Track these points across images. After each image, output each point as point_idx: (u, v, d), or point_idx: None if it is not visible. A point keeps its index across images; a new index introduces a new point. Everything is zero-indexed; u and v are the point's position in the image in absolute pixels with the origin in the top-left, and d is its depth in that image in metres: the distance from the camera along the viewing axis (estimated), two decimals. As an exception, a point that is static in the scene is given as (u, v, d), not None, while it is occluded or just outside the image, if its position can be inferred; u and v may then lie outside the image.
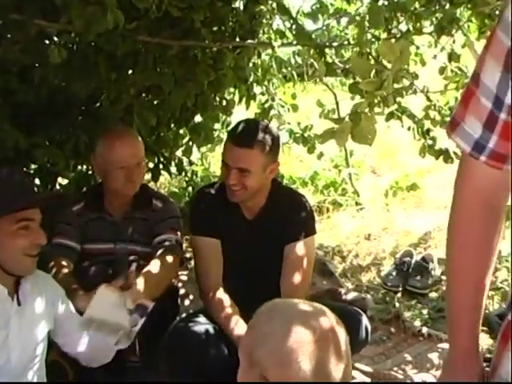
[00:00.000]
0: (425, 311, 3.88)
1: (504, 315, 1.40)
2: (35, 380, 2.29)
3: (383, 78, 2.71)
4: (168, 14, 3.14)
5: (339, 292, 3.90)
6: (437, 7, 3.41)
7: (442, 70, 4.01)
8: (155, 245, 2.91)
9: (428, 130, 4.06)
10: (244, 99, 4.75)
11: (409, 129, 4.19)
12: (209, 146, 4.95)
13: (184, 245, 3.13)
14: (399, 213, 5.32)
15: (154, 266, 2.77)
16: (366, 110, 2.86)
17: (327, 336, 1.40)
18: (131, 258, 2.96)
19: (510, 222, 3.35)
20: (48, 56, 2.82)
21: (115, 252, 2.99)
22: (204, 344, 2.63)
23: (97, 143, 2.96)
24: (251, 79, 4.80)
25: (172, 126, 4.36)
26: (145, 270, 2.74)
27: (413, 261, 4.34)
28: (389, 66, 2.80)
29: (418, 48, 4.61)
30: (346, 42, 4.40)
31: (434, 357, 3.39)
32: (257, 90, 5.09)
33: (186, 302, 3.82)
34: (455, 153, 3.85)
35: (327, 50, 4.14)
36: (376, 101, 2.99)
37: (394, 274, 4.26)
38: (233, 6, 3.97)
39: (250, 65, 4.71)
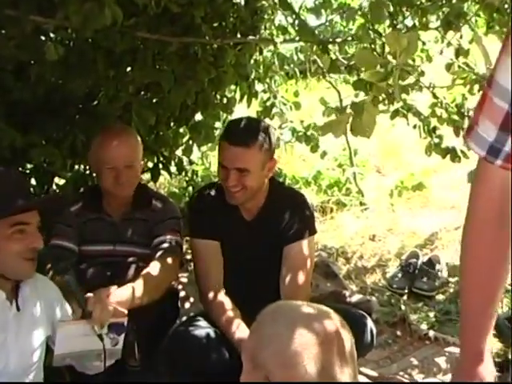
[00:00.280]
0: (431, 314, 3.88)
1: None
2: None
3: (388, 69, 2.71)
4: (167, 9, 3.14)
5: (343, 294, 3.90)
6: (443, 1, 3.41)
7: (449, 66, 4.00)
8: (155, 246, 2.91)
9: (434, 128, 4.06)
10: (245, 97, 4.74)
11: (414, 127, 4.18)
12: (209, 144, 4.94)
13: (184, 246, 3.12)
14: (405, 213, 5.32)
15: (154, 267, 2.77)
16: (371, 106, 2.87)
17: (332, 338, 1.40)
18: (130, 259, 2.96)
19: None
20: (44, 53, 2.81)
21: (114, 253, 2.99)
22: (205, 348, 2.63)
23: (93, 141, 2.98)
24: (253, 76, 4.79)
25: (172, 124, 4.36)
26: (144, 271, 2.74)
27: (419, 262, 4.33)
28: (394, 61, 2.80)
29: (424, 44, 4.59)
30: (349, 38, 4.39)
31: (440, 361, 3.38)
32: (258, 87, 5.08)
33: (187, 305, 3.82)
34: (462, 151, 3.84)
35: (330, 46, 4.13)
36: (381, 98, 2.99)
37: (399, 275, 4.25)
38: (234, 1, 3.97)
39: (252, 62, 4.70)
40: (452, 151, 3.92)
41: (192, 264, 3.07)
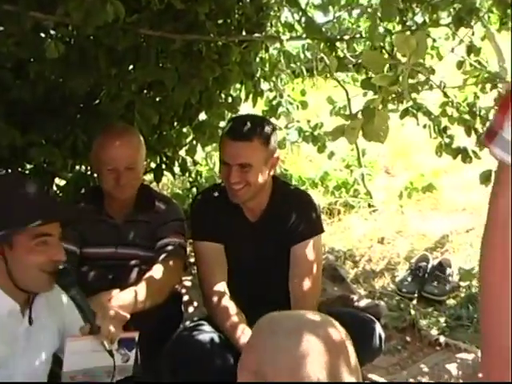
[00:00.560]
0: (442, 319, 3.86)
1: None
2: None
3: (398, 72, 2.70)
4: (171, 6, 3.13)
5: (351, 298, 3.88)
6: (455, -3, 3.40)
7: (460, 64, 3.99)
8: (158, 249, 2.91)
9: (445, 128, 4.04)
10: (251, 96, 4.74)
11: (424, 126, 4.17)
12: (214, 145, 4.92)
13: (188, 249, 3.12)
14: (414, 215, 5.31)
15: (157, 270, 2.77)
16: (380, 107, 2.85)
17: (339, 347, 1.39)
18: (133, 262, 2.96)
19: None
20: (44, 50, 2.82)
21: (116, 256, 2.99)
22: (209, 353, 2.63)
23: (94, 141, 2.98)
24: (258, 75, 4.79)
25: (175, 124, 4.36)
26: (147, 275, 2.74)
27: (429, 266, 4.32)
28: (403, 60, 2.79)
29: (434, 41, 4.59)
30: (358, 35, 4.38)
31: (452, 367, 3.37)
32: (264, 86, 5.07)
33: (190, 309, 3.83)
34: (474, 151, 3.83)
35: (338, 44, 4.13)
36: (390, 97, 2.98)
37: (409, 279, 4.25)
38: (239, -3, 3.97)
39: (257, 60, 4.70)
40: (463, 151, 3.90)
41: (196, 267, 3.07)
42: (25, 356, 2.20)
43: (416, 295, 4.14)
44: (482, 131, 3.66)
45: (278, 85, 5.36)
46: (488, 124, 1.38)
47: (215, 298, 2.77)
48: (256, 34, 4.10)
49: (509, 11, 3.52)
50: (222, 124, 4.79)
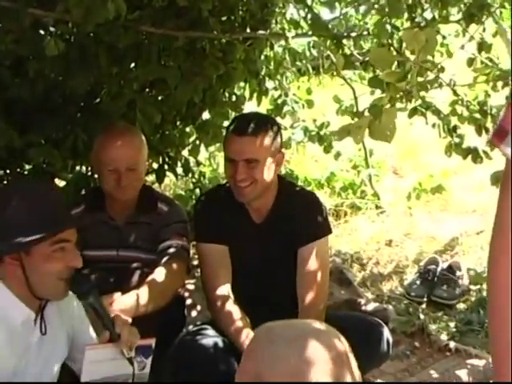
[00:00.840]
0: (452, 324, 3.86)
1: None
2: None
3: (406, 69, 2.70)
4: (173, 2, 3.14)
5: (358, 302, 3.90)
6: (465, -8, 3.40)
7: (471, 62, 3.98)
8: (160, 251, 2.91)
9: (455, 127, 4.04)
10: (255, 94, 4.75)
11: (434, 126, 4.17)
12: (217, 145, 4.93)
13: (191, 251, 3.12)
14: (423, 217, 5.31)
15: (159, 273, 2.77)
16: (388, 106, 2.86)
17: (343, 357, 1.38)
18: (134, 265, 2.97)
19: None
20: (44, 48, 2.82)
21: (118, 259, 2.99)
22: (213, 358, 2.63)
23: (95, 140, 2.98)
24: (263, 73, 4.80)
25: (178, 123, 4.36)
26: (149, 278, 2.74)
27: (438, 269, 4.32)
28: (412, 57, 2.79)
29: (444, 38, 4.57)
30: (365, 32, 4.38)
31: (462, 374, 3.36)
32: (269, 84, 5.08)
33: (194, 313, 3.83)
34: (484, 152, 3.82)
35: (345, 41, 4.13)
36: (398, 95, 2.98)
37: (417, 283, 4.24)
38: (243, -7, 3.97)
39: (262, 57, 4.71)
40: (473, 151, 3.89)
41: (199, 270, 3.07)
42: (36, 366, 2.20)
43: (425, 299, 4.13)
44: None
45: (283, 83, 5.36)
46: (497, 122, 1.27)
47: (219, 302, 2.77)
48: (261, 31, 4.11)
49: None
50: (226, 123, 4.80)
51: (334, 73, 6.18)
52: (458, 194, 5.60)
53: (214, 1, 3.45)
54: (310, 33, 4.22)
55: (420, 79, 3.04)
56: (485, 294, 4.06)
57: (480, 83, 4.04)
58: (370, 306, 3.85)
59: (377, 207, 5.50)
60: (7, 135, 3.20)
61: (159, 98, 3.99)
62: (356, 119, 2.84)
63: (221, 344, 2.69)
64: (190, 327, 3.04)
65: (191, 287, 4.04)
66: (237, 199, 2.82)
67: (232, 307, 2.75)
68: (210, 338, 2.71)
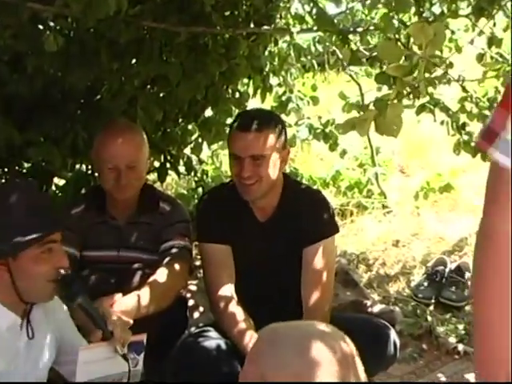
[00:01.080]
0: (460, 326, 3.85)
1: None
2: None
3: (413, 63, 2.70)
4: (175, -4, 3.14)
5: (364, 304, 3.89)
6: (475, -15, 3.39)
7: (481, 57, 3.98)
8: (162, 252, 2.91)
9: (464, 125, 4.04)
10: (259, 91, 4.75)
11: (442, 123, 4.16)
12: (220, 142, 4.93)
13: (194, 251, 3.12)
14: (431, 217, 5.30)
15: (161, 274, 2.77)
16: (394, 102, 2.85)
17: (349, 359, 1.38)
18: (136, 266, 2.96)
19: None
20: (42, 43, 2.82)
21: (118, 260, 2.99)
22: (215, 361, 2.63)
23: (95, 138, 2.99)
24: (267, 69, 4.80)
25: (180, 120, 4.37)
26: (151, 279, 2.74)
27: (447, 270, 4.31)
28: (419, 52, 2.78)
29: (453, 33, 4.57)
30: (371, 27, 4.38)
31: (471, 377, 3.35)
32: (273, 81, 5.08)
33: (196, 315, 3.83)
34: (494, 150, 3.81)
35: (351, 36, 4.13)
36: (405, 92, 2.97)
37: (425, 284, 4.24)
38: (247, -13, 3.97)
39: (266, 53, 4.71)
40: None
41: (201, 271, 3.07)
42: (24, 370, 2.20)
43: (433, 301, 4.13)
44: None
45: (288, 79, 5.36)
46: (485, 123, 1.14)
47: (222, 303, 2.77)
48: (265, 27, 4.11)
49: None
50: (229, 121, 4.80)
51: (340, 69, 6.20)
52: (466, 193, 5.60)
53: (216, -5, 3.45)
54: (315, 28, 4.20)
55: (428, 75, 3.03)
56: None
57: (490, 79, 4.03)
58: (377, 308, 3.84)
59: (383, 207, 5.50)
60: (6, 133, 3.19)
61: (161, 94, 3.99)
62: (362, 113, 2.83)
63: (224, 346, 2.69)
64: (193, 329, 3.04)
65: (194, 288, 4.04)
66: (242, 197, 2.82)
67: (235, 309, 2.75)
68: (213, 340, 2.71)
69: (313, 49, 5.88)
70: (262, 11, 4.04)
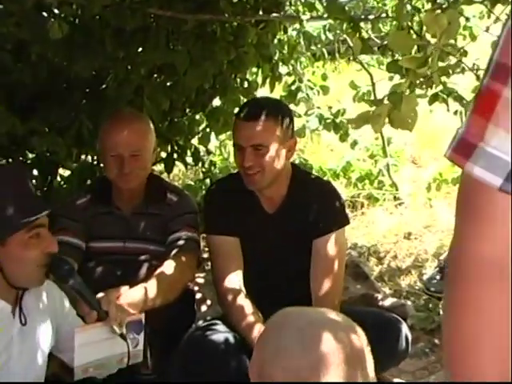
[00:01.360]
0: (473, 320, 3.84)
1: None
2: None
3: (427, 53, 2.69)
4: (182, -17, 3.14)
5: (375, 297, 3.89)
6: (491, -30, 3.36)
7: (496, 45, 3.96)
8: (170, 243, 2.91)
9: (477, 114, 4.02)
10: (268, 80, 4.74)
11: (455, 113, 4.15)
12: (228, 133, 4.93)
13: (201, 244, 3.12)
14: (444, 209, 5.29)
15: (168, 266, 2.77)
16: (407, 92, 2.84)
17: (358, 355, 1.36)
18: (142, 257, 2.96)
19: None
20: (47, 31, 2.83)
21: (125, 251, 2.99)
22: (223, 354, 2.63)
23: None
24: (276, 58, 4.79)
25: (187, 110, 4.37)
26: (158, 271, 2.74)
27: (459, 263, 4.30)
28: (433, 41, 2.77)
29: (467, 20, 4.55)
30: (383, 15, 4.37)
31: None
32: (282, 69, 5.08)
33: (203, 308, 3.84)
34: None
35: (362, 24, 4.11)
36: (418, 81, 2.97)
37: (437, 277, 4.23)
38: (255, -26, 3.96)
39: (275, 41, 4.71)
40: (497, 140, 3.87)
41: (209, 263, 3.07)
42: (21, 358, 2.21)
43: (445, 294, 4.12)
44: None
45: (298, 68, 5.36)
46: (457, 134, 1.06)
47: (230, 296, 2.77)
48: (274, 14, 4.10)
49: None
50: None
51: (351, 57, 6.18)
52: (480, 184, 5.57)
53: (225, -19, 3.45)
54: (325, 15, 4.19)
55: (441, 64, 3.02)
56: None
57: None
58: (388, 302, 3.85)
59: (395, 198, 5.49)
60: (9, 122, 3.20)
61: (167, 83, 3.99)
62: (374, 107, 2.82)
63: (232, 340, 2.68)
64: (200, 322, 3.05)
65: (201, 281, 4.05)
66: (247, 188, 2.83)
67: (244, 301, 2.75)
68: (221, 333, 2.71)
69: (323, 37, 5.88)
70: (271, -2, 4.04)
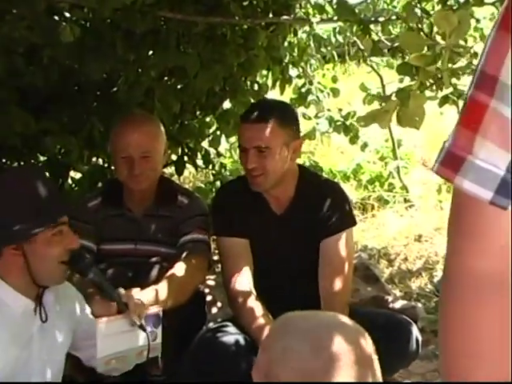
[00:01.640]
0: (484, 323, 3.83)
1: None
2: None
3: (436, 51, 2.68)
4: (192, -14, 3.15)
5: (386, 300, 3.89)
6: (500, -28, 3.36)
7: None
8: (180, 245, 2.91)
9: (488, 117, 4.01)
10: (278, 83, 4.75)
11: (466, 115, 4.14)
12: (238, 135, 4.95)
13: (212, 246, 3.13)
14: (454, 211, 5.27)
15: (179, 268, 2.77)
16: (418, 92, 2.84)
17: (368, 358, 1.36)
18: (153, 259, 2.97)
19: None
20: (58, 34, 2.84)
21: (136, 253, 2.99)
22: (234, 356, 2.63)
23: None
24: (286, 60, 4.80)
25: (197, 113, 4.37)
26: (168, 273, 2.75)
27: (470, 265, 4.29)
28: (443, 42, 2.77)
29: (478, 21, 4.54)
30: (393, 17, 4.36)
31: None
32: (292, 72, 5.08)
33: (214, 310, 3.84)
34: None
35: (372, 26, 4.11)
36: (428, 83, 2.96)
37: (448, 280, 4.22)
38: (266, -23, 3.97)
39: (285, 44, 4.71)
40: (507, 142, 3.86)
41: (220, 265, 3.08)
42: (41, 356, 2.23)
43: (456, 297, 4.11)
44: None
45: (308, 71, 5.37)
46: (444, 147, 1.05)
47: (240, 298, 2.77)
48: (284, 17, 4.10)
49: None
50: (248, 113, 4.81)
51: (361, 60, 6.17)
52: (490, 186, 5.56)
53: (235, -16, 3.46)
54: (335, 18, 4.20)
55: (451, 65, 3.02)
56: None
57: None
58: (398, 304, 3.84)
59: (405, 200, 5.49)
60: (23, 120, 3.21)
61: (178, 86, 4.00)
62: (383, 104, 2.82)
63: (242, 341, 2.69)
64: (211, 324, 3.05)
65: (212, 283, 4.05)
66: (251, 187, 2.84)
67: (254, 303, 2.74)
68: (231, 335, 2.71)
69: (333, 39, 5.90)
70: (281, 1, 4.04)
